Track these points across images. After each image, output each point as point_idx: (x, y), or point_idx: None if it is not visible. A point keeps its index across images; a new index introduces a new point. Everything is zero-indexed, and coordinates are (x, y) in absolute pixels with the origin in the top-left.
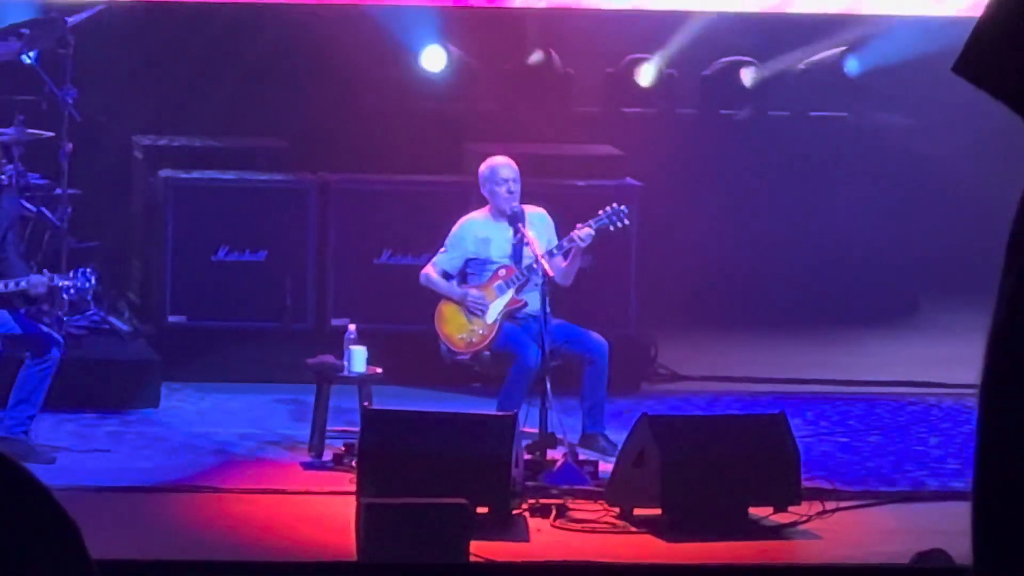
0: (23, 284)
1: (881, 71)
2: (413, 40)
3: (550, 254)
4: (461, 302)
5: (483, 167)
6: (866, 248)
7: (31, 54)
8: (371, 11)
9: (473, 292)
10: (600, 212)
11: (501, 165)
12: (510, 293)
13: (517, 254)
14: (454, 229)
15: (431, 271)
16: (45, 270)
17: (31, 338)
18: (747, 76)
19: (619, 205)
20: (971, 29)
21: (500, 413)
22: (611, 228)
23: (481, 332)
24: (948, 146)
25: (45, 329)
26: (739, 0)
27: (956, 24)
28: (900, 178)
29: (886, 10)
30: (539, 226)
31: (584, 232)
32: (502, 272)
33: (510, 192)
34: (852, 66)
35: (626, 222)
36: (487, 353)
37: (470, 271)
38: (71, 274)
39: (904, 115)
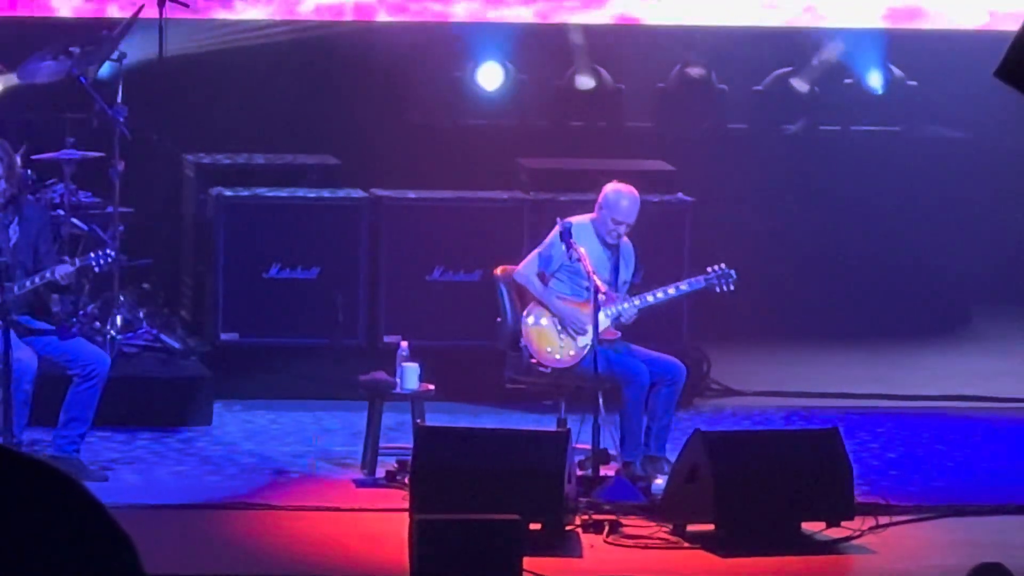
0: (48, 275)
1: (904, 85)
2: (465, 56)
3: (639, 297)
4: (563, 317)
5: (610, 190)
6: (917, 261)
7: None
8: (422, 28)
9: (581, 311)
10: (708, 270)
11: (625, 199)
12: (608, 321)
13: (613, 274)
14: (556, 230)
15: (531, 271)
16: (66, 257)
17: (79, 356)
18: (799, 84)
19: (728, 268)
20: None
21: (552, 430)
22: (716, 290)
23: (571, 352)
24: (999, 158)
25: (92, 347)
26: (782, 15)
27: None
28: (952, 191)
29: (917, 25)
30: (627, 257)
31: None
32: (602, 296)
33: (619, 235)
34: (875, 82)
35: (732, 288)
36: (572, 372)
37: (559, 277)
38: (90, 255)
39: (956, 128)
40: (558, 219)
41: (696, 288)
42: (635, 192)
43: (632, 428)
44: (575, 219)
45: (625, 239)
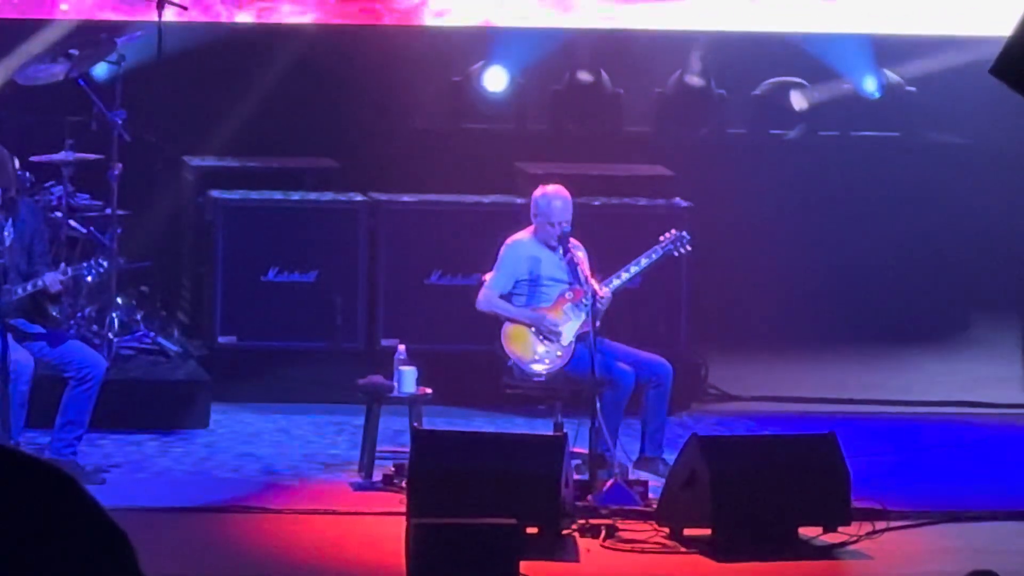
0: (40, 283)
1: (903, 90)
2: (464, 61)
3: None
4: (536, 325)
5: (538, 195)
6: (916, 267)
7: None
8: (422, 31)
9: (549, 315)
10: (661, 238)
11: (557, 200)
12: (583, 316)
13: (572, 275)
14: (504, 251)
15: (492, 296)
16: (62, 264)
17: (74, 358)
18: (797, 100)
19: (680, 231)
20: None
21: (549, 433)
22: (675, 254)
23: (558, 354)
24: (998, 164)
25: (88, 349)
26: (781, 21)
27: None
28: (950, 196)
29: (921, 30)
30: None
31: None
32: (569, 295)
33: (562, 233)
34: (870, 87)
35: (688, 248)
36: (564, 375)
37: (518, 292)
38: (83, 264)
39: (955, 133)
40: (505, 243)
41: (656, 258)
42: (563, 190)
43: (606, 428)
44: (515, 237)
45: (572, 239)
